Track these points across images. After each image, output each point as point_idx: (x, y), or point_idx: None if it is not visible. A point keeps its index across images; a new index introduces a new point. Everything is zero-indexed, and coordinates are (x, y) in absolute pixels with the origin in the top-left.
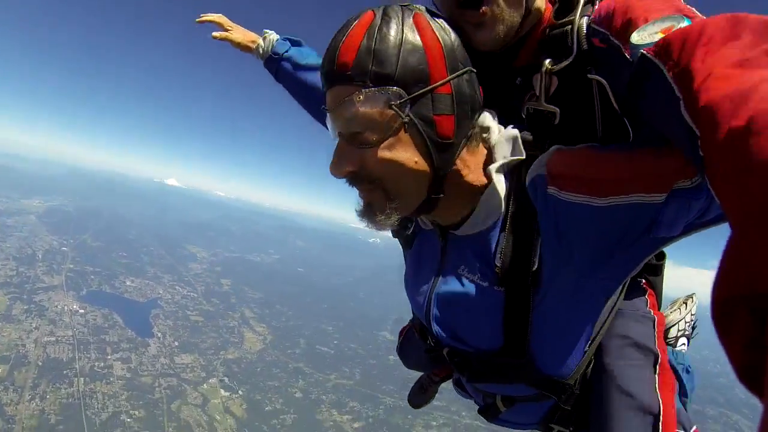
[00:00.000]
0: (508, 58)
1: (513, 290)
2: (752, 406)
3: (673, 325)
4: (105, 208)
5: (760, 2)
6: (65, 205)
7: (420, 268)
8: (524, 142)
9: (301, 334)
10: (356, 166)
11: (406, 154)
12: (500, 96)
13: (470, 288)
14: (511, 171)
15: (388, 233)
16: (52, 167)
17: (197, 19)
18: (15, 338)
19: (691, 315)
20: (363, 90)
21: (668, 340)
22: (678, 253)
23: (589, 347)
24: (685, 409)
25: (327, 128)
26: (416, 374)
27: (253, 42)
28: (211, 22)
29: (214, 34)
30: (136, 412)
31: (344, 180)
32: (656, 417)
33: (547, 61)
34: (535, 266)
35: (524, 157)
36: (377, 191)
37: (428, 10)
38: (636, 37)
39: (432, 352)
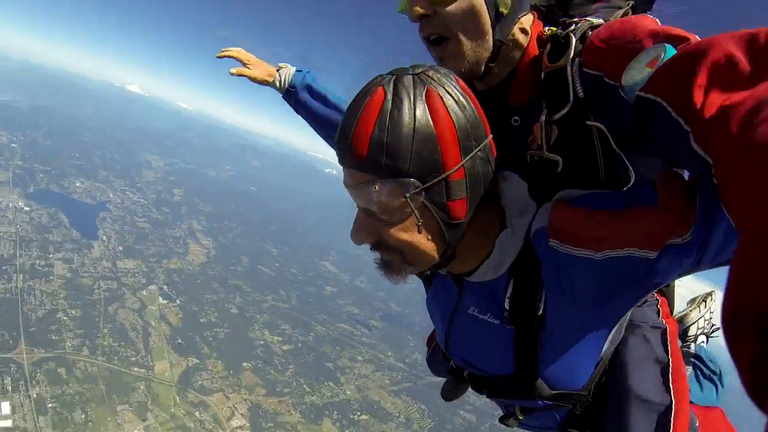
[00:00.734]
0: (500, 95)
1: (521, 330)
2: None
3: (693, 323)
4: (60, 107)
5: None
6: (17, 101)
7: (440, 305)
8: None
9: (245, 252)
10: (375, 238)
11: (419, 234)
12: (496, 134)
13: (483, 326)
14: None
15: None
16: (4, 61)
17: (218, 55)
18: None
19: (711, 313)
20: (378, 180)
21: (687, 338)
22: None
23: (599, 362)
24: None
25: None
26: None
27: (270, 75)
28: (230, 57)
29: (232, 70)
30: (74, 312)
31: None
32: (668, 420)
33: (544, 114)
34: (540, 311)
35: (531, 219)
36: (395, 256)
37: (440, 78)
38: (627, 79)
39: (453, 373)
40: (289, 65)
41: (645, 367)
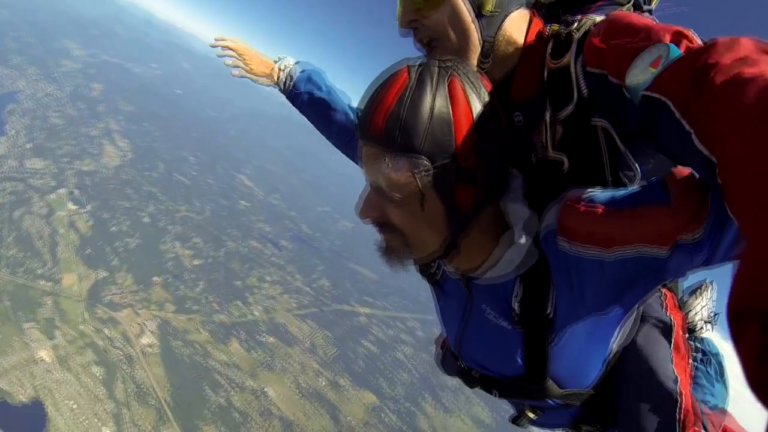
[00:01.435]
0: (502, 93)
1: (531, 331)
2: None
3: (692, 311)
4: None
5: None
6: None
7: (449, 308)
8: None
9: (162, 158)
10: (379, 214)
11: (424, 215)
12: None
13: (493, 327)
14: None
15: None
16: None
17: (211, 44)
18: None
19: (708, 300)
20: (390, 155)
21: (689, 325)
22: None
23: (607, 360)
24: (710, 407)
25: (348, 157)
26: None
27: (268, 68)
28: (226, 47)
29: (234, 73)
30: None
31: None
32: (675, 411)
33: (548, 112)
34: (549, 312)
35: (537, 228)
36: (397, 238)
37: (465, 69)
38: (631, 78)
39: (464, 374)
40: (288, 57)
41: (651, 359)
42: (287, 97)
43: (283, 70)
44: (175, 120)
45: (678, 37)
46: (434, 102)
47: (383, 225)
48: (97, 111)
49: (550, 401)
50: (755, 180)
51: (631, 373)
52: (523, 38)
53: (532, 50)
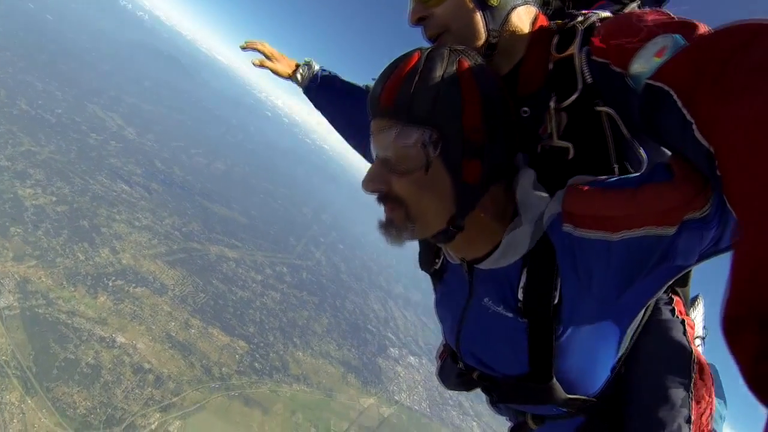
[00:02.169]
0: (509, 87)
1: (536, 322)
2: None
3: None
4: None
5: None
6: None
7: (449, 299)
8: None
9: (26, 92)
10: (384, 186)
11: (429, 187)
12: None
13: (496, 318)
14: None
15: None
16: None
17: (241, 45)
18: None
19: (700, 314)
20: (399, 126)
21: None
22: None
23: (615, 366)
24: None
25: (361, 153)
26: None
27: (291, 68)
28: (254, 50)
29: (254, 61)
30: None
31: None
32: (689, 422)
33: (553, 100)
34: (556, 300)
35: (544, 209)
36: (400, 211)
37: (475, 56)
38: (635, 67)
39: (462, 376)
40: (314, 61)
41: (666, 365)
42: (307, 91)
43: (307, 69)
44: (45, 50)
45: (684, 29)
46: (443, 76)
47: (387, 197)
48: None
49: (554, 409)
50: (756, 177)
51: (640, 383)
52: (529, 32)
53: (537, 43)
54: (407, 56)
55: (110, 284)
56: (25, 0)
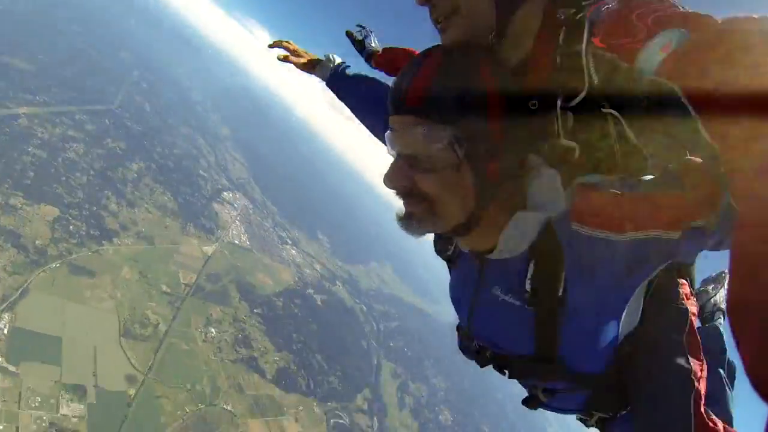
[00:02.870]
0: (517, 78)
1: (542, 311)
2: None
3: (709, 300)
4: None
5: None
6: None
7: (462, 285)
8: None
9: None
10: (408, 183)
11: (455, 185)
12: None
13: (504, 306)
14: (543, 203)
15: None
16: None
17: (269, 44)
18: None
19: (725, 290)
20: (429, 125)
21: (704, 315)
22: None
23: (618, 344)
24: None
25: (383, 142)
26: None
27: (313, 63)
28: (281, 47)
29: (279, 55)
30: None
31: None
32: (690, 396)
33: (560, 99)
34: (561, 292)
35: (553, 211)
36: (422, 206)
37: (496, 57)
38: (641, 63)
39: (478, 354)
40: (333, 55)
41: (665, 346)
42: (330, 83)
43: (330, 63)
44: None
45: (690, 23)
46: (469, 78)
47: (411, 194)
48: None
49: (560, 384)
50: (759, 173)
51: (645, 360)
52: (538, 22)
53: (545, 36)
54: (430, 54)
55: None
56: None
